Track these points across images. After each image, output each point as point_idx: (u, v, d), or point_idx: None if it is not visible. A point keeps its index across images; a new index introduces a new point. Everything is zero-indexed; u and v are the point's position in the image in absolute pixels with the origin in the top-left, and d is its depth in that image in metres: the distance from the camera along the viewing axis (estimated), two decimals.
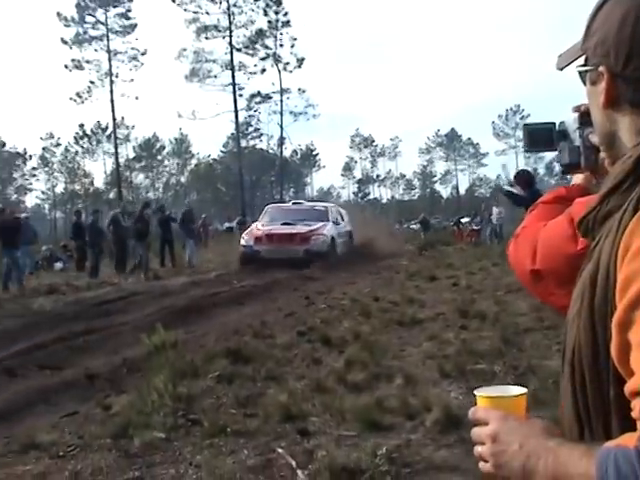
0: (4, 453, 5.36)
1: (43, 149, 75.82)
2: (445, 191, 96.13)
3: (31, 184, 76.39)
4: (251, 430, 5.48)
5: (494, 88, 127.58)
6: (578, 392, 1.06)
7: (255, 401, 6.25)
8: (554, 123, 1.67)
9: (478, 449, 1.08)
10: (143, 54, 53.81)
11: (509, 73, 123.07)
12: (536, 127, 1.74)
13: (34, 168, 75.89)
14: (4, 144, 72.47)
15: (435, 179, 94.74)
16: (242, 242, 20.19)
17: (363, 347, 8.05)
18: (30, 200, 79.25)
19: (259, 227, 20.91)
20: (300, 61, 52.55)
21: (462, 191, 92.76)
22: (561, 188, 1.68)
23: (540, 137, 1.70)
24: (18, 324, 11.28)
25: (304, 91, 54.82)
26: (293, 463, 4.69)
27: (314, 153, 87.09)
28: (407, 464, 4.64)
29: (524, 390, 1.13)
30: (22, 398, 6.89)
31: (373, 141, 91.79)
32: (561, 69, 1.26)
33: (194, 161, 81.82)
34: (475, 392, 1.13)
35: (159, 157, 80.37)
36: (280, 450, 4.98)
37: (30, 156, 74.85)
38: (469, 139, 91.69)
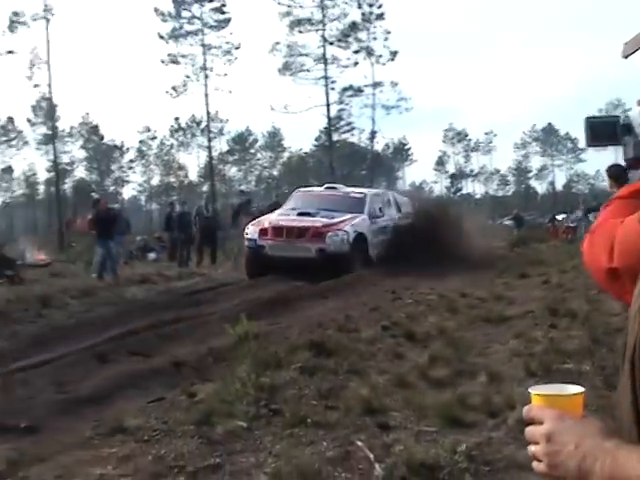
0: (92, 436, 5.55)
1: (140, 142, 77.86)
2: (541, 187, 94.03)
3: (128, 176, 78.41)
4: (331, 422, 5.51)
5: (594, 81, 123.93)
6: (638, 390, 1.02)
7: (336, 394, 6.28)
8: (618, 117, 1.61)
9: (532, 449, 1.06)
10: (237, 48, 54.39)
11: (609, 65, 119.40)
12: (599, 121, 1.68)
13: (131, 160, 77.87)
14: (103, 137, 74.72)
15: (530, 175, 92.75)
16: (246, 234, 16.19)
17: (448, 343, 7.97)
18: (127, 192, 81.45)
19: (272, 216, 16.93)
20: (393, 54, 52.07)
21: (559, 187, 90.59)
22: (638, 182, 1.61)
23: (603, 131, 1.64)
24: (112, 312, 11.66)
25: (397, 84, 54.36)
26: (371, 456, 4.69)
27: (406, 147, 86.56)
28: (487, 462, 4.58)
29: (581, 389, 1.09)
30: (112, 383, 7.11)
31: (467, 135, 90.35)
32: (626, 57, 1.22)
33: (286, 154, 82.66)
34: (530, 390, 1.10)
35: (252, 150, 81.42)
36: (359, 443, 4.99)
37: (127, 149, 76.91)
38: (567, 134, 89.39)
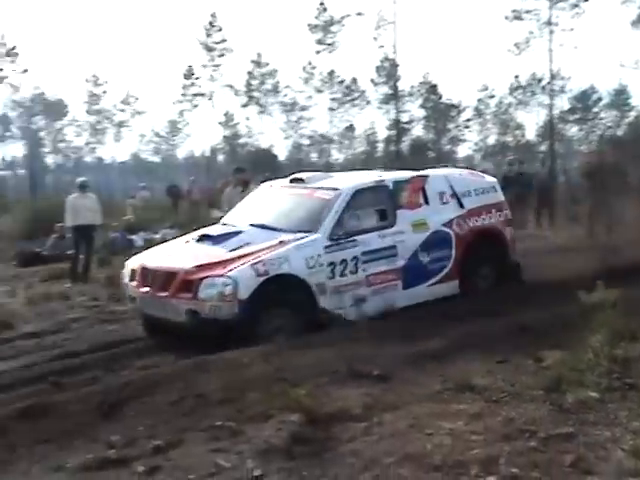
0: (441, 390, 5.71)
1: (478, 101, 77.60)
2: None
3: (464, 135, 78.55)
4: None
5: None
6: None
7: None
8: None
9: None
10: (585, 0, 51.86)
11: None
12: None
13: (468, 119, 77.86)
14: (441, 96, 75.54)
15: None
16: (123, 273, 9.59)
17: None
18: (462, 151, 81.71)
19: (171, 243, 10.23)
20: None
21: None
22: None
23: None
24: None
25: None
26: None
27: None
28: None
29: None
30: (458, 341, 7.19)
31: None
32: None
33: (633, 114, 77.46)
34: None
35: (595, 109, 77.49)
36: None
37: (465, 108, 76.98)
38: None
